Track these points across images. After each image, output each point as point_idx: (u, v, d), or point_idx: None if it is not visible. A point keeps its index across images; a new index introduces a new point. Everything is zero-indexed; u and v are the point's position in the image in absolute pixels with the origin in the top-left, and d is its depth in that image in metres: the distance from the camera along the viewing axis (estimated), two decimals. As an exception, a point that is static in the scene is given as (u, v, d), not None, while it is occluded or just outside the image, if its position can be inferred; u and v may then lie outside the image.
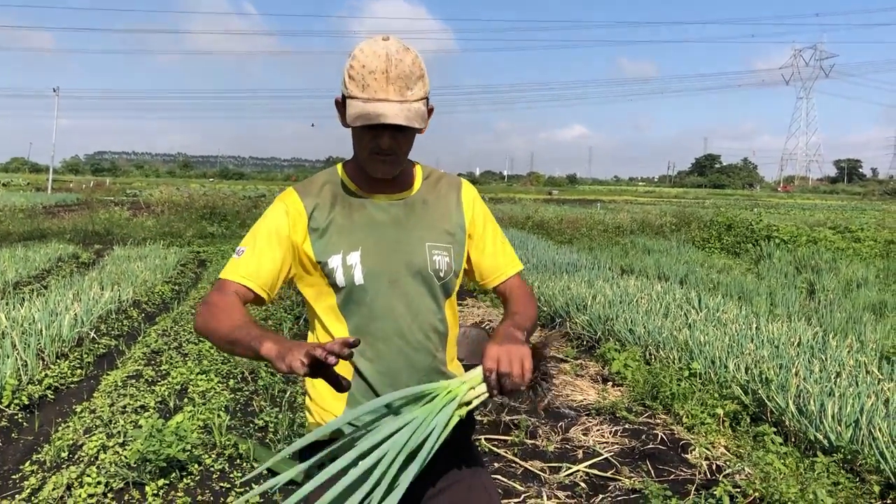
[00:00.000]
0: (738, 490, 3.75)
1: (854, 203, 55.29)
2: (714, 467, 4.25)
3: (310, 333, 1.84)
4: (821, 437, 4.32)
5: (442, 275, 1.76)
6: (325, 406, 1.79)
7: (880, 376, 5.11)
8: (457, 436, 1.88)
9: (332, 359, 1.33)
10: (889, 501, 3.75)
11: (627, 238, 17.21)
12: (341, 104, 1.69)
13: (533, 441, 4.66)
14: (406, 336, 1.74)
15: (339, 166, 1.83)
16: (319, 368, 1.38)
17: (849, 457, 4.12)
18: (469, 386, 1.55)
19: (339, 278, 1.71)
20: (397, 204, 1.78)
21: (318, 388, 1.80)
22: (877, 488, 3.79)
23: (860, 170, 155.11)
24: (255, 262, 1.70)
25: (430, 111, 1.73)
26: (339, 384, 1.44)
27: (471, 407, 1.56)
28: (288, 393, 5.29)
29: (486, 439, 4.61)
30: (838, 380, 4.91)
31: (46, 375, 5.57)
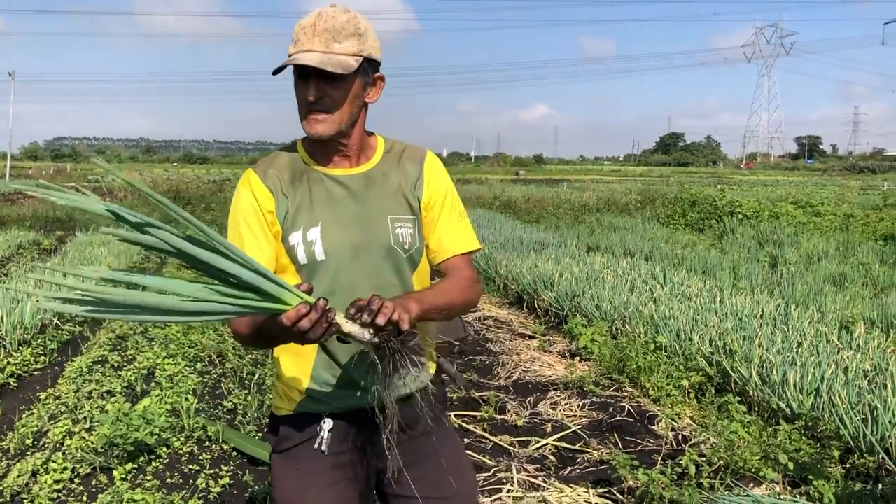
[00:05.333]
0: (704, 459, 3.82)
1: (815, 179, 56.16)
2: (680, 437, 4.32)
3: None
4: (783, 406, 4.42)
5: (407, 247, 1.75)
6: (290, 384, 1.79)
7: (840, 345, 5.22)
8: (425, 411, 1.88)
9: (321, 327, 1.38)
10: (848, 465, 3.85)
11: (593, 216, 17.33)
12: None
13: (502, 416, 4.70)
14: None
15: (299, 142, 1.81)
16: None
17: (810, 424, 4.23)
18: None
19: (301, 255, 1.70)
20: (357, 177, 1.76)
21: (283, 364, 1.80)
22: (836, 453, 3.88)
23: (820, 146, 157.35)
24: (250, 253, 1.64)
25: (378, 79, 1.73)
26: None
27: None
28: (256, 375, 5.27)
29: (455, 415, 4.63)
30: (800, 350, 5.01)
31: (8, 363, 5.49)
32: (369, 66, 1.69)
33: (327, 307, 1.38)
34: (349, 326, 1.42)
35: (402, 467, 1.81)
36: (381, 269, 1.74)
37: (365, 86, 1.70)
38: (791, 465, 3.58)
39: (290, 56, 1.63)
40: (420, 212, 1.80)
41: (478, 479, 3.73)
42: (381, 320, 1.39)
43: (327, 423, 1.75)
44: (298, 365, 1.77)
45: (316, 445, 1.75)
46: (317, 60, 1.58)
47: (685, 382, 4.95)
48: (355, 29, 1.63)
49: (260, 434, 4.24)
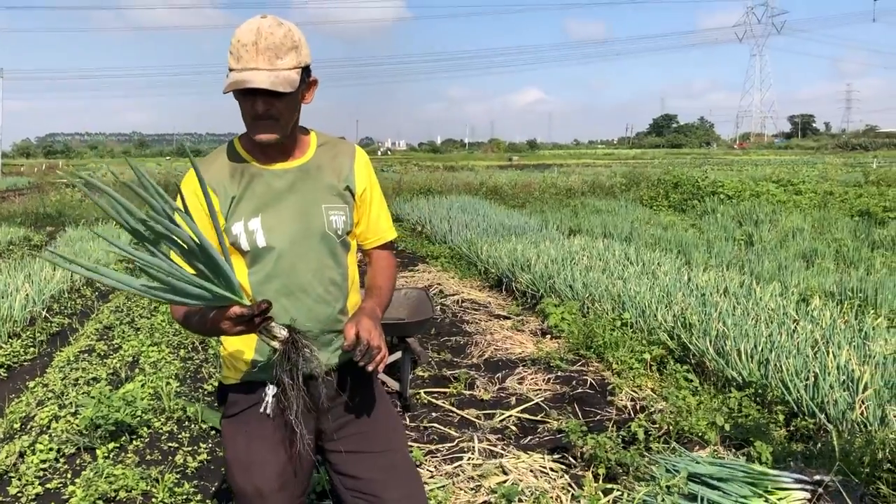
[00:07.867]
0: (655, 425, 4.05)
1: (806, 157, 56.37)
2: (638, 407, 4.55)
3: None
4: (735, 375, 4.64)
5: (340, 233, 1.97)
6: (236, 355, 1.99)
7: (795, 316, 5.44)
8: (358, 375, 2.10)
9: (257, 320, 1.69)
10: (791, 428, 4.08)
11: (578, 199, 17.52)
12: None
13: (471, 392, 4.92)
14: (307, 290, 1.94)
15: (236, 140, 2.00)
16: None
17: (759, 391, 4.45)
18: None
19: (244, 243, 1.89)
20: (293, 170, 1.96)
21: (229, 338, 2.00)
22: (781, 417, 4.12)
23: (814, 125, 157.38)
24: None
25: (312, 83, 1.92)
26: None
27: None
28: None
29: (425, 392, 4.86)
30: (757, 323, 5.23)
31: (-2, 354, 5.69)
32: (305, 74, 1.88)
33: (266, 307, 1.67)
34: (272, 323, 1.74)
35: (338, 426, 2.03)
36: (317, 253, 1.95)
37: (303, 91, 1.90)
38: (728, 427, 3.81)
39: (233, 71, 1.78)
40: (353, 201, 2.02)
41: (443, 448, 3.96)
42: (371, 367, 1.77)
43: (271, 389, 1.95)
44: (243, 339, 1.98)
45: (262, 409, 1.95)
46: (268, 82, 1.73)
47: (647, 356, 5.17)
48: (292, 43, 1.79)
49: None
